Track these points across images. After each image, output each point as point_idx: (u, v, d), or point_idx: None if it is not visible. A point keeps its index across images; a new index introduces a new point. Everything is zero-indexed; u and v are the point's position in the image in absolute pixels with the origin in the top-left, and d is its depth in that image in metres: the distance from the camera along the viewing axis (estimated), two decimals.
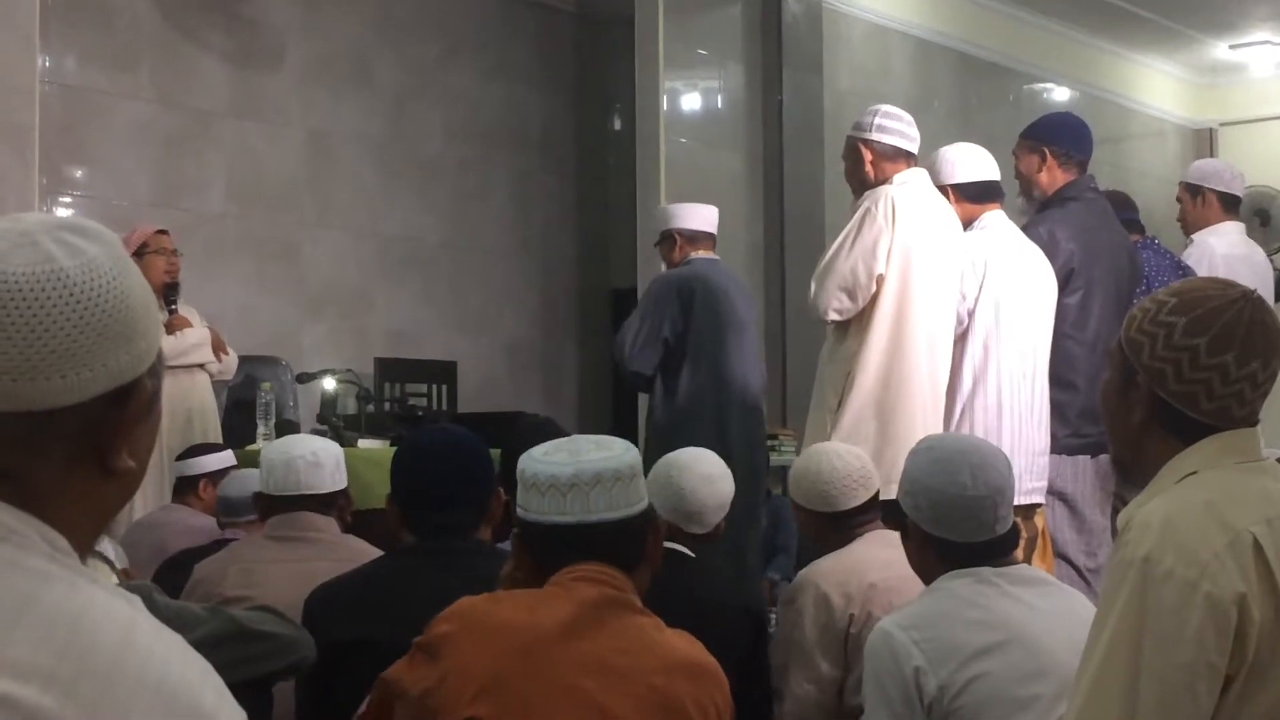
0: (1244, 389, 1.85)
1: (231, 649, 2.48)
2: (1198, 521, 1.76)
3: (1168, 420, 1.88)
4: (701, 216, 5.56)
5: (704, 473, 3.29)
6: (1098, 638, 1.77)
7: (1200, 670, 1.69)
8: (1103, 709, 1.73)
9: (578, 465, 2.14)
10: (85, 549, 1.16)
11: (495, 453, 3.00)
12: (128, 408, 1.17)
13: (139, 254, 5.32)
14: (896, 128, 4.33)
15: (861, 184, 4.34)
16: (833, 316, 4.25)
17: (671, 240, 5.50)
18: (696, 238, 5.49)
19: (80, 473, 1.15)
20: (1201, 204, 5.53)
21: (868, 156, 4.31)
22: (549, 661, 2.05)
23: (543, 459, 2.17)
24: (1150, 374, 1.88)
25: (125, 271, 1.17)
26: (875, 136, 4.31)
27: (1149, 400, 1.89)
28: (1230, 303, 1.86)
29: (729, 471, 3.35)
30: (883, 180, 4.28)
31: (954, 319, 4.27)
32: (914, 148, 4.36)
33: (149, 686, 1.05)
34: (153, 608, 2.36)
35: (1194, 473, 1.85)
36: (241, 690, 2.39)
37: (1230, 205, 5.59)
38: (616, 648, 2.09)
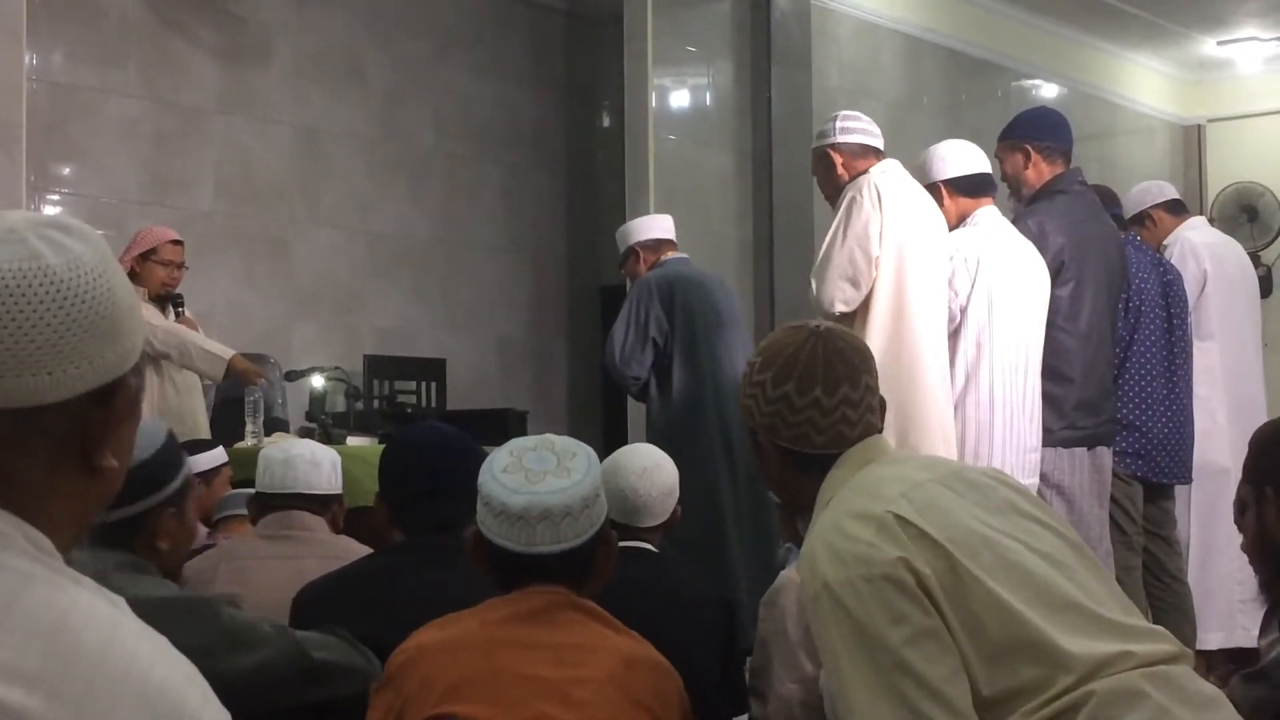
0: (845, 412, 2.00)
1: (292, 675, 2.40)
2: (844, 528, 1.87)
3: (798, 463, 2.03)
4: (657, 225, 5.66)
5: (639, 467, 3.28)
6: (833, 671, 1.85)
7: (921, 635, 1.78)
8: None
9: (530, 497, 2.15)
10: (68, 548, 1.16)
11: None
12: (113, 405, 1.17)
13: (146, 256, 5.34)
14: (858, 127, 4.40)
15: (836, 189, 4.38)
16: (840, 308, 4.26)
17: (634, 255, 5.56)
18: (658, 246, 5.56)
19: (65, 471, 1.15)
20: (1154, 225, 5.64)
21: (838, 160, 4.37)
22: (509, 657, 2.10)
23: (499, 477, 2.19)
24: (765, 430, 2.04)
25: (110, 269, 1.17)
26: (841, 139, 4.37)
27: (775, 451, 2.05)
28: (800, 345, 2.01)
29: (667, 459, 3.34)
30: (858, 176, 4.32)
31: (945, 297, 4.28)
32: (880, 143, 4.42)
33: (134, 687, 1.05)
34: (217, 619, 2.31)
35: (835, 496, 1.97)
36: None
37: (1178, 208, 5.72)
38: (572, 643, 2.14)
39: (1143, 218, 5.65)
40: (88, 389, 1.14)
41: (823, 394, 1.98)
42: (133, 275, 5.21)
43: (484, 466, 2.23)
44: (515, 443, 2.26)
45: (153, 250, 5.35)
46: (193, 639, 1.14)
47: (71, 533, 1.17)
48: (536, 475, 2.17)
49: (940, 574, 1.81)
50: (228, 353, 5.25)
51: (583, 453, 2.24)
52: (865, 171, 4.30)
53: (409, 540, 2.81)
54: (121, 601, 1.12)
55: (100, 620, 1.08)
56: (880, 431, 2.05)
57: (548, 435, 2.29)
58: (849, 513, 1.89)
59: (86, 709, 1.03)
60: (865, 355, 2.06)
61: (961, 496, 1.93)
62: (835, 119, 4.43)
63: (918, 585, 1.80)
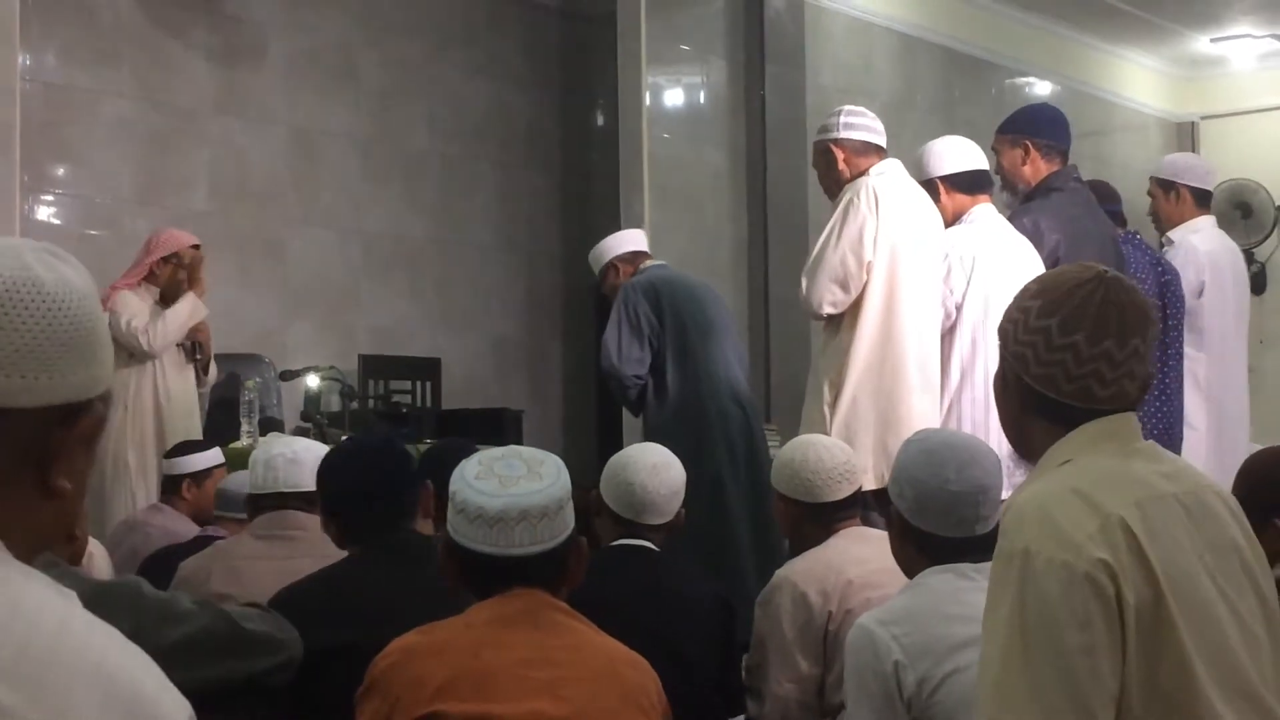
0: (1100, 368, 1.86)
1: (223, 644, 2.49)
2: (1069, 508, 1.78)
3: (1040, 406, 1.90)
4: (630, 239, 5.65)
5: (650, 463, 3.30)
6: (993, 634, 1.78)
7: (1098, 650, 1.71)
8: (1014, 709, 1.73)
9: (506, 499, 2.18)
10: (22, 556, 1.16)
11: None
12: (77, 426, 1.19)
13: (167, 260, 5.55)
14: (862, 123, 4.38)
15: (837, 185, 4.37)
16: (828, 310, 4.25)
17: (613, 270, 5.52)
18: (634, 257, 5.52)
19: (18, 483, 1.17)
20: (1176, 199, 5.51)
21: (840, 156, 4.35)
22: (497, 658, 2.12)
23: (473, 483, 2.21)
24: (1016, 360, 1.91)
25: (94, 299, 1.22)
26: (844, 135, 4.35)
27: (1019, 387, 1.91)
28: (1082, 284, 1.88)
29: (677, 461, 3.36)
30: (858, 175, 4.31)
31: (940, 303, 4.29)
32: (882, 141, 4.40)
33: (88, 671, 1.07)
34: (141, 600, 2.39)
35: (1069, 460, 1.86)
36: (239, 694, 2.43)
37: (1203, 200, 5.58)
38: (557, 644, 2.17)
39: (1172, 187, 5.54)
40: (57, 401, 1.17)
41: (1084, 340, 1.84)
42: (151, 274, 5.54)
43: (455, 475, 2.26)
44: (482, 453, 2.30)
45: (175, 254, 5.55)
46: (123, 623, 1.17)
47: (21, 544, 1.17)
48: (510, 480, 2.21)
49: (1142, 606, 1.73)
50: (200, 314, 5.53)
51: (550, 460, 2.28)
52: (865, 171, 4.30)
53: (368, 543, 2.85)
54: (72, 595, 1.14)
55: (51, 610, 1.10)
56: (1132, 408, 1.93)
57: (512, 446, 2.34)
58: (1080, 493, 1.79)
59: (44, 691, 1.05)
60: (1151, 308, 1.92)
61: (1195, 523, 1.83)
62: (839, 113, 4.41)
63: (1116, 602, 1.71)
